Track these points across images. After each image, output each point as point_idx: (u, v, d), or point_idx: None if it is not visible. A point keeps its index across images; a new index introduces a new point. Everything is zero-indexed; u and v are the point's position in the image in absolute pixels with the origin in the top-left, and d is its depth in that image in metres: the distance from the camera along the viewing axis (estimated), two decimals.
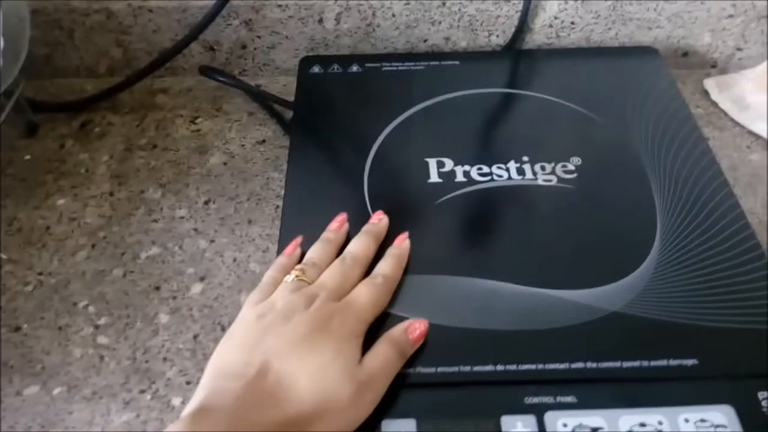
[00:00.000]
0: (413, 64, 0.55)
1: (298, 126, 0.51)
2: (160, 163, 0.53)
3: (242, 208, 0.49)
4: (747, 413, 0.33)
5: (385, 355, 0.34)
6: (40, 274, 0.46)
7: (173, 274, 0.45)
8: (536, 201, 0.44)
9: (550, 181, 0.45)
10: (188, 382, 0.40)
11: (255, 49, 0.59)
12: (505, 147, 0.48)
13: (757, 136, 0.53)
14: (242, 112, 0.57)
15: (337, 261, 0.38)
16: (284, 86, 0.60)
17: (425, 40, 0.60)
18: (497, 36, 0.59)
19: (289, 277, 0.37)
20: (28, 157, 0.53)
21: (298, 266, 0.38)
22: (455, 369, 0.35)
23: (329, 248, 0.40)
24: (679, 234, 0.41)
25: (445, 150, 0.47)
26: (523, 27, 0.58)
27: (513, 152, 0.47)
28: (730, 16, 0.57)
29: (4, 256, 0.46)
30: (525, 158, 0.46)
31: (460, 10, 0.57)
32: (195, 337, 0.42)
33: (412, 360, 0.35)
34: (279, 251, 0.41)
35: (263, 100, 0.57)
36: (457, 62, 0.55)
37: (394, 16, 0.57)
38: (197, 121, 0.56)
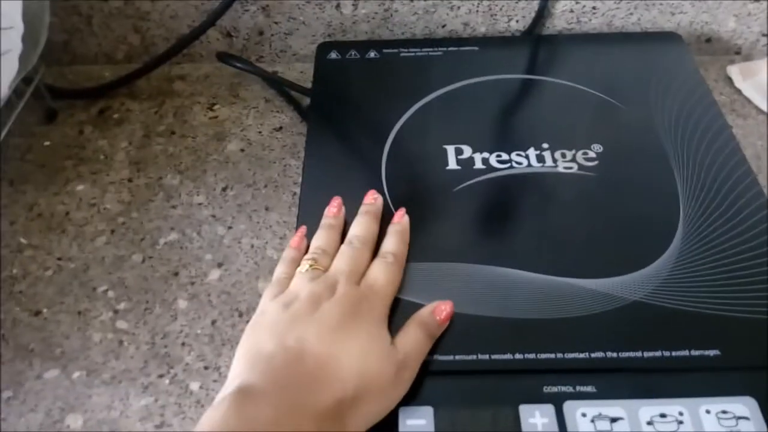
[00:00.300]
0: (431, 49, 0.54)
1: (315, 113, 0.51)
2: (178, 150, 0.53)
3: (260, 194, 0.49)
4: None
5: (416, 336, 0.34)
6: (60, 259, 0.46)
7: (191, 260, 0.45)
8: (556, 189, 0.43)
9: (570, 168, 0.44)
10: (206, 367, 0.40)
11: (272, 35, 0.59)
12: (525, 134, 0.47)
13: None
14: (259, 99, 0.57)
15: (346, 245, 0.39)
16: (301, 73, 0.59)
17: (443, 26, 0.59)
18: (517, 21, 0.59)
19: (303, 267, 0.37)
20: (47, 143, 0.54)
21: (308, 256, 0.38)
22: (473, 357, 0.35)
23: (333, 234, 0.40)
24: (702, 223, 0.40)
25: (464, 137, 0.47)
26: (543, 12, 0.57)
27: (533, 139, 0.46)
28: (756, 0, 0.56)
29: (24, 241, 0.47)
30: (545, 145, 0.46)
31: None
32: (213, 322, 0.42)
33: (431, 347, 0.35)
34: None
35: (280, 86, 0.57)
36: (476, 48, 0.55)
37: (411, 1, 0.57)
38: (215, 107, 0.56)
